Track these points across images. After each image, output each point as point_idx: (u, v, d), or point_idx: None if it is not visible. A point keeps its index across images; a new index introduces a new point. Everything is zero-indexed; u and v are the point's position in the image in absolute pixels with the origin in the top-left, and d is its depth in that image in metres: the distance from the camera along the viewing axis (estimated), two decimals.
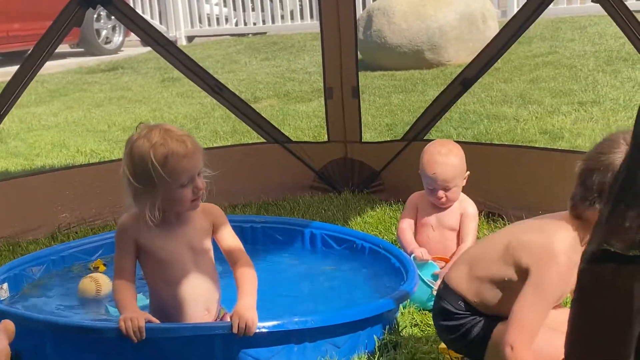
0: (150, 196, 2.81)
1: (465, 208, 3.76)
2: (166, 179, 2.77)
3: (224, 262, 3.05)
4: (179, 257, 2.93)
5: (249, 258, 3.00)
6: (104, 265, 3.86)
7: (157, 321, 2.82)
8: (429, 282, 3.41)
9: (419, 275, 3.38)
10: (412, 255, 3.61)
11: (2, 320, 1.98)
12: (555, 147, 5.81)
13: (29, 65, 4.55)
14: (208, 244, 3.01)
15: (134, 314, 2.76)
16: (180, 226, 2.93)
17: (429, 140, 4.48)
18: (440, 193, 3.69)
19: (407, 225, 3.82)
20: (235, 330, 2.73)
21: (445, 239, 3.77)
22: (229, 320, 2.80)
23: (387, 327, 3.15)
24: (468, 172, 3.75)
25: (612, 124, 6.56)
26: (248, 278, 2.93)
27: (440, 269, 3.62)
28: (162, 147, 2.77)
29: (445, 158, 3.69)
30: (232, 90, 5.43)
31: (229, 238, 3.02)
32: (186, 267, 2.94)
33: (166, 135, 2.80)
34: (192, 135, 2.92)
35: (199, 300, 2.96)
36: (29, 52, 4.54)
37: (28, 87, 4.65)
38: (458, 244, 3.75)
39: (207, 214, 2.99)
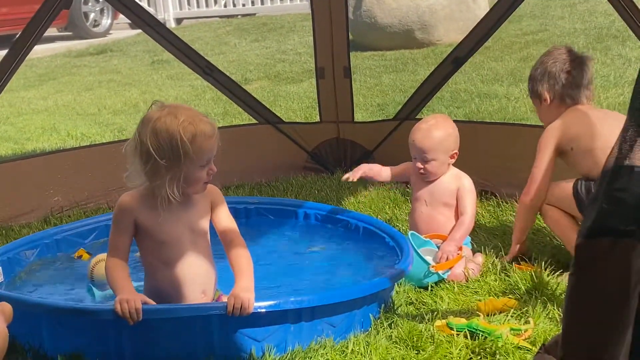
0: (172, 172, 2.79)
1: (461, 182, 3.73)
2: (192, 157, 2.78)
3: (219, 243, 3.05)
4: (179, 238, 2.92)
5: (243, 240, 3.00)
6: (88, 254, 3.80)
7: (153, 302, 2.82)
8: (425, 259, 3.41)
9: (416, 251, 3.38)
10: (410, 232, 3.60)
11: (0, 303, 1.98)
12: None
13: (18, 49, 4.51)
14: (207, 225, 3.01)
15: (131, 295, 2.75)
16: (182, 207, 2.92)
17: (421, 120, 4.48)
18: (419, 163, 3.69)
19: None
20: (230, 311, 2.73)
21: (439, 213, 3.72)
22: (225, 301, 2.80)
23: (383, 305, 3.15)
24: (456, 151, 3.72)
25: (602, 101, 6.56)
26: (244, 260, 2.93)
27: (438, 246, 3.62)
28: (190, 125, 2.78)
29: (428, 127, 3.70)
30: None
31: (226, 219, 3.02)
32: (185, 248, 2.93)
33: (193, 115, 2.84)
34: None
35: (197, 282, 2.96)
36: (18, 35, 4.49)
37: (17, 71, 4.62)
38: (456, 221, 3.72)
39: (207, 193, 2.98)
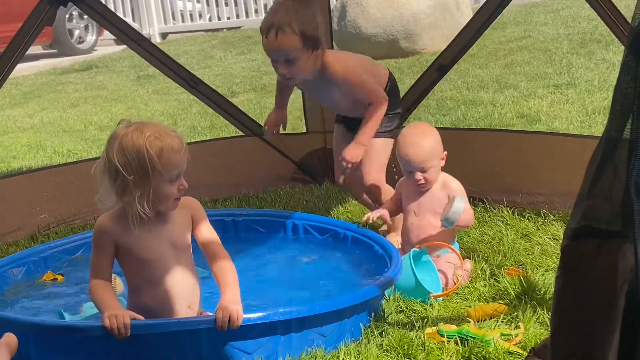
0: (141, 188, 2.77)
1: (450, 186, 3.74)
2: (160, 171, 2.75)
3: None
4: (161, 255, 2.90)
5: (226, 252, 2.98)
6: (60, 275, 3.76)
7: (142, 318, 2.80)
8: (426, 287, 3.37)
9: (416, 277, 3.34)
10: (412, 250, 3.52)
11: (5, 334, 1.95)
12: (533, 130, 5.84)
13: (1, 67, 4.48)
14: (188, 240, 2.98)
15: (119, 310, 2.73)
16: (160, 224, 2.90)
17: (400, 133, 4.49)
18: (418, 175, 3.69)
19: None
20: (219, 324, 2.72)
21: (428, 223, 3.72)
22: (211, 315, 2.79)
23: (373, 314, 3.14)
24: (445, 152, 3.75)
25: (587, 105, 6.60)
26: (228, 271, 2.90)
27: (437, 255, 3.62)
28: (157, 140, 2.76)
29: (417, 139, 3.70)
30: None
31: (207, 231, 3.00)
32: (169, 265, 2.91)
33: (160, 129, 2.81)
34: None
35: (182, 297, 2.94)
36: (1, 53, 4.47)
37: (1, 90, 4.60)
38: None
39: (186, 207, 2.96)
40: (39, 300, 3.54)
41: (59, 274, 3.77)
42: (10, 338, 1.84)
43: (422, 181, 3.70)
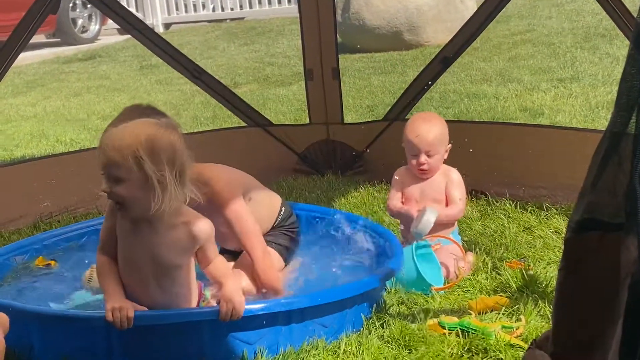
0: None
1: (449, 177, 3.75)
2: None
3: None
4: (140, 265, 2.79)
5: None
6: (53, 260, 3.73)
7: (145, 308, 2.80)
8: (427, 280, 3.38)
9: (418, 269, 3.34)
10: (415, 243, 3.52)
11: None
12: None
13: (5, 56, 4.48)
14: (179, 260, 2.82)
15: (122, 302, 2.71)
16: (148, 232, 2.76)
17: (410, 119, 4.48)
18: (423, 158, 3.68)
19: (394, 201, 3.81)
20: (222, 316, 2.72)
21: None
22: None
23: (374, 305, 3.15)
24: (450, 145, 3.75)
25: (591, 99, 6.59)
26: (219, 269, 2.87)
27: (438, 243, 3.62)
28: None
29: (428, 122, 3.74)
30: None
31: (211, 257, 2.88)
32: (144, 277, 2.81)
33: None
34: None
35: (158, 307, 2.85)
36: (4, 42, 4.47)
37: (4, 79, 4.60)
38: None
39: (196, 232, 2.78)
40: (35, 285, 3.54)
41: (51, 260, 3.76)
42: (2, 317, 1.84)
43: (425, 166, 3.69)
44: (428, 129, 3.69)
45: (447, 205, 3.72)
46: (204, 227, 2.79)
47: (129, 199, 2.64)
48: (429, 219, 3.49)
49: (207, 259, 2.86)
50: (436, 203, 3.70)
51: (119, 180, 2.62)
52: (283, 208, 3.62)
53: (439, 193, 3.73)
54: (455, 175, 3.76)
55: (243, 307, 2.75)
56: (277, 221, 3.55)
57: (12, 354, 2.88)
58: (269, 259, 3.33)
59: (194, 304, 2.94)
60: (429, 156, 3.69)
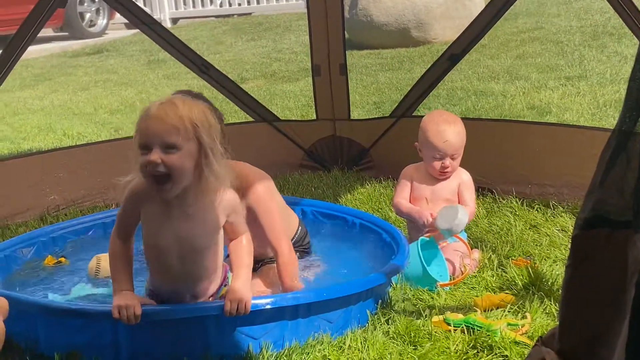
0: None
1: (461, 178, 3.74)
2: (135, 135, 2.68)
3: None
4: (167, 245, 2.78)
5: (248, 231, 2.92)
6: (63, 257, 3.75)
7: (153, 303, 2.80)
8: (432, 275, 3.37)
9: (423, 265, 3.34)
10: (420, 239, 3.52)
11: None
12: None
13: (12, 50, 4.49)
14: (207, 241, 2.82)
15: (129, 300, 2.69)
16: (179, 214, 2.74)
17: (417, 117, 4.48)
18: (447, 161, 3.66)
19: (402, 199, 3.77)
20: (227, 311, 2.72)
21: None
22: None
23: (380, 301, 3.15)
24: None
25: (599, 97, 6.57)
26: (241, 254, 2.87)
27: (445, 241, 3.61)
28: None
29: (454, 125, 3.68)
30: None
31: (240, 230, 2.91)
32: (170, 260, 2.80)
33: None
34: None
35: (180, 290, 2.87)
36: (13, 35, 4.48)
37: (13, 72, 4.61)
38: None
39: (226, 207, 2.80)
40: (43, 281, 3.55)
41: (61, 257, 3.77)
42: (1, 301, 1.86)
43: (449, 168, 3.68)
44: (456, 134, 3.65)
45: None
46: (228, 196, 2.80)
47: (179, 169, 2.61)
48: (462, 218, 3.47)
49: (235, 232, 2.88)
50: (448, 203, 3.68)
51: (173, 148, 2.59)
52: (299, 228, 3.63)
53: (451, 193, 3.72)
54: (466, 176, 3.75)
55: (249, 303, 2.75)
56: (293, 240, 3.53)
57: (17, 346, 2.89)
58: (294, 255, 3.33)
59: (215, 287, 2.92)
60: (452, 159, 3.68)
